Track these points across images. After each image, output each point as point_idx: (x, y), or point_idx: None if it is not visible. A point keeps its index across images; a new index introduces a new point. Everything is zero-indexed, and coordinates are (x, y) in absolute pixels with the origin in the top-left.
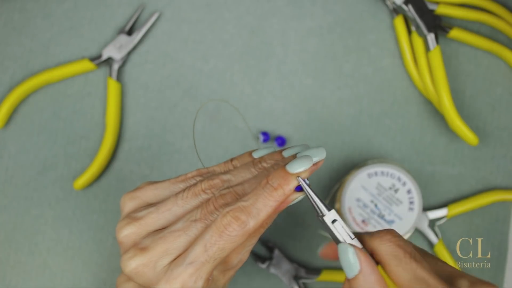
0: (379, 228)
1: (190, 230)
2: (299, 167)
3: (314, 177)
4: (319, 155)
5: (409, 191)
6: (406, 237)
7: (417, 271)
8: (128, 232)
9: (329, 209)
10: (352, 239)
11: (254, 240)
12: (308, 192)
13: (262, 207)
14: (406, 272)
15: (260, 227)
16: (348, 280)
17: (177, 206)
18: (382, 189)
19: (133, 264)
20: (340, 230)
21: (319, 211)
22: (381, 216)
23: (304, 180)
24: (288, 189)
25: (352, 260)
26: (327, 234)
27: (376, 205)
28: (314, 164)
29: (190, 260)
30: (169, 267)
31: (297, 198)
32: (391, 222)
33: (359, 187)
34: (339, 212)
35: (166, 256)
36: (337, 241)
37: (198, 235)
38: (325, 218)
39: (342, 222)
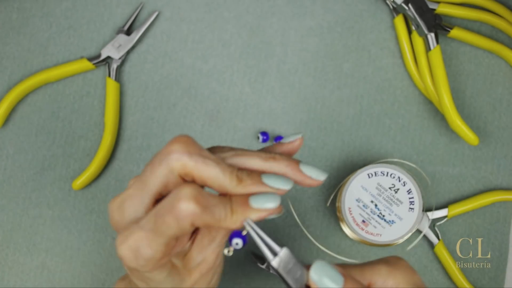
0: (379, 228)
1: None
2: (262, 202)
3: None
4: (319, 176)
5: (409, 191)
6: (406, 237)
7: None
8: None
9: (279, 249)
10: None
11: (215, 245)
12: (256, 232)
13: (216, 213)
14: None
15: (213, 232)
16: None
17: None
18: (382, 189)
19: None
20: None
21: (267, 255)
22: (381, 217)
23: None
24: (226, 224)
25: (333, 274)
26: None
27: (376, 205)
28: (309, 183)
29: (141, 225)
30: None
31: (230, 251)
32: (391, 222)
33: (359, 187)
34: (339, 212)
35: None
36: (288, 286)
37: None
38: (273, 263)
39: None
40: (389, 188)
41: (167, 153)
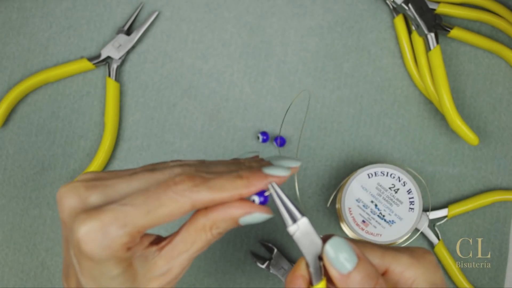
0: (379, 228)
1: (133, 179)
2: (274, 172)
3: (314, 176)
4: (293, 164)
5: (409, 191)
6: (406, 237)
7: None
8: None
9: (300, 217)
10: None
11: (186, 256)
12: (278, 195)
13: (220, 187)
14: None
15: (190, 252)
16: (340, 276)
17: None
18: (382, 189)
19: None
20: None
21: (288, 221)
22: (381, 217)
23: (274, 188)
24: (254, 185)
25: (348, 252)
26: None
27: (376, 205)
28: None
29: (124, 201)
30: (101, 206)
31: (250, 214)
32: (391, 222)
33: (359, 188)
34: (339, 212)
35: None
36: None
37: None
38: (289, 229)
39: (311, 229)
40: (389, 188)
41: (179, 189)
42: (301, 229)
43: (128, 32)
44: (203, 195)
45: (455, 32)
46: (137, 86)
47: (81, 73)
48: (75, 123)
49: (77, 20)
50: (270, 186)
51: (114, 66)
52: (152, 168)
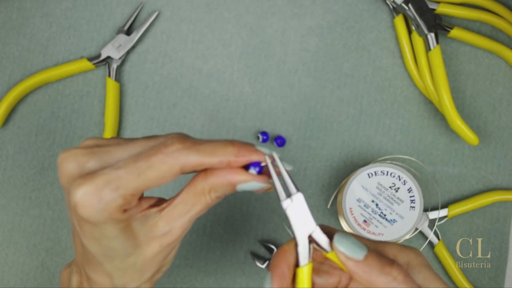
0: (381, 228)
1: (130, 145)
2: (267, 150)
3: (314, 177)
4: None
5: (409, 190)
6: (408, 236)
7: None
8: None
9: (295, 192)
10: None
11: (187, 218)
12: (275, 167)
13: (210, 151)
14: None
15: (180, 230)
16: (357, 263)
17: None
18: (382, 188)
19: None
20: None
21: (280, 195)
22: (383, 216)
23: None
24: (243, 154)
25: (356, 240)
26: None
27: (377, 205)
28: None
29: (117, 165)
30: (95, 171)
31: (247, 182)
32: (392, 221)
33: (360, 187)
34: (340, 212)
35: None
36: (291, 230)
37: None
38: (282, 203)
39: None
40: (390, 187)
41: (168, 151)
42: (295, 204)
43: (128, 32)
44: (192, 157)
45: (455, 32)
46: (137, 86)
47: (81, 73)
48: (75, 123)
49: (77, 20)
50: (266, 157)
51: (114, 66)
52: (151, 136)
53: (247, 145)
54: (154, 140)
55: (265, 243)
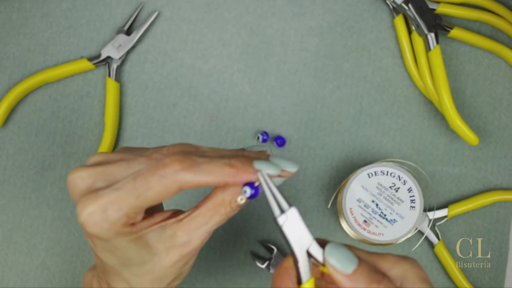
0: (381, 228)
1: (133, 163)
2: (264, 167)
3: (314, 177)
4: (290, 167)
5: (409, 190)
6: (409, 236)
7: None
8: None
9: (288, 207)
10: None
11: (206, 228)
12: (268, 185)
13: (207, 172)
14: None
15: (195, 242)
16: (346, 277)
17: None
18: (382, 188)
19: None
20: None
21: (275, 211)
22: (383, 216)
23: (264, 178)
24: (240, 176)
25: (348, 253)
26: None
27: (377, 205)
28: (280, 174)
29: (117, 186)
30: (98, 191)
31: (242, 199)
32: (393, 221)
33: (360, 187)
34: (340, 212)
35: (102, 181)
36: (289, 247)
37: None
38: (278, 219)
39: (301, 222)
40: (390, 187)
41: (167, 172)
42: (290, 220)
43: (128, 32)
44: (189, 178)
45: (455, 32)
46: (137, 86)
47: (81, 73)
48: (75, 123)
49: (77, 20)
50: (259, 175)
51: (114, 66)
52: (155, 149)
53: (244, 165)
54: (156, 154)
55: (265, 243)
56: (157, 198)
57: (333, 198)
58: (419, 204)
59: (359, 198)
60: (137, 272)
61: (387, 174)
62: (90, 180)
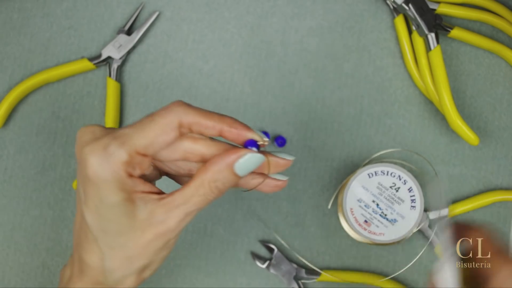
0: (382, 228)
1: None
2: (261, 134)
3: (314, 177)
4: (288, 157)
5: (410, 189)
6: (409, 235)
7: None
8: None
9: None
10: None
11: (184, 209)
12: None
13: (207, 114)
14: None
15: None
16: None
17: None
18: (383, 188)
19: None
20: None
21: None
22: (383, 216)
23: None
24: (237, 126)
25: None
26: None
27: (378, 205)
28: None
29: (125, 127)
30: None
31: (243, 157)
32: (393, 221)
33: (360, 188)
34: (341, 212)
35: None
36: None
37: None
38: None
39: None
40: (390, 187)
41: (169, 108)
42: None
43: (129, 32)
44: (190, 114)
45: (456, 32)
46: (137, 86)
47: (81, 73)
48: (76, 123)
49: (77, 20)
50: (263, 136)
51: (115, 66)
52: None
53: (243, 124)
54: None
55: (265, 243)
56: (159, 134)
57: (333, 198)
58: (419, 203)
59: (359, 198)
60: (112, 243)
61: (387, 174)
62: (99, 132)
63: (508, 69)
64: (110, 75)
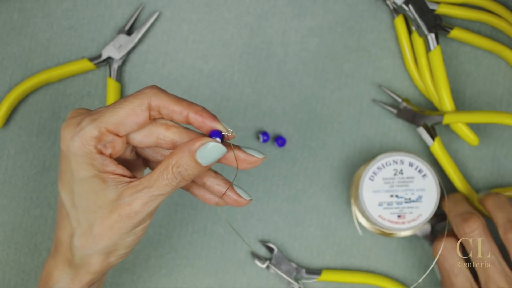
0: (415, 210)
1: None
2: (226, 126)
3: (314, 177)
4: (257, 154)
5: (410, 164)
6: (438, 201)
7: None
8: None
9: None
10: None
11: (149, 193)
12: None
13: (177, 100)
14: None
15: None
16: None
17: None
18: (389, 180)
19: None
20: None
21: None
22: (409, 200)
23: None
24: (205, 114)
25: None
26: None
27: (397, 196)
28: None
29: (101, 107)
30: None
31: (205, 145)
32: (419, 198)
33: (371, 194)
34: (372, 226)
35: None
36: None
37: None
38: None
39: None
40: (394, 174)
41: (142, 90)
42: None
43: (129, 33)
44: (160, 97)
45: (455, 33)
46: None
47: (82, 73)
48: None
49: (78, 21)
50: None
51: (115, 66)
52: None
53: (211, 113)
54: None
55: (265, 243)
56: (129, 114)
57: (356, 222)
58: (427, 169)
59: (379, 203)
60: (80, 219)
61: (385, 166)
62: (83, 112)
63: (508, 69)
64: (110, 75)
